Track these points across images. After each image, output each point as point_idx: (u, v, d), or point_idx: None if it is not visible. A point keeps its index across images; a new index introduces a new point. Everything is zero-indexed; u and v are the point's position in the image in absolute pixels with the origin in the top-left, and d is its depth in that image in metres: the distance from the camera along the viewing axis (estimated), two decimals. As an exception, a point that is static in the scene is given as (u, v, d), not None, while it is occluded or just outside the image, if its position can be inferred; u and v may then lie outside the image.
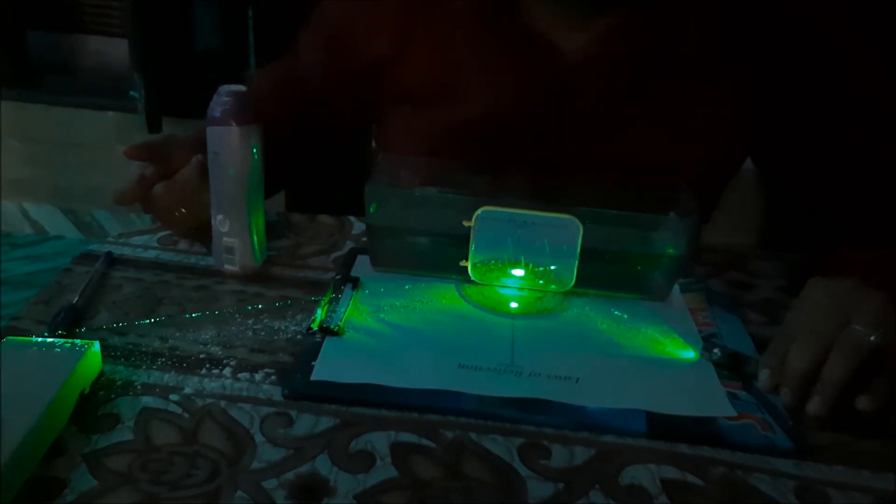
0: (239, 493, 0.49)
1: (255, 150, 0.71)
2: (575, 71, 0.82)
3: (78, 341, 0.58)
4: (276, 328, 0.67)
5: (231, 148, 0.69)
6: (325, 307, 0.69)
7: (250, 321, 0.68)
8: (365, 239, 0.83)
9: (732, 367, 0.64)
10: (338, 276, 0.74)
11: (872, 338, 0.60)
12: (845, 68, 0.82)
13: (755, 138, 0.87)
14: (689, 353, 0.66)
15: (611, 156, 0.83)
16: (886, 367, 0.60)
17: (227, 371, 0.60)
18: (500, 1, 0.82)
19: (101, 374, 0.59)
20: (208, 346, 0.64)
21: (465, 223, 0.71)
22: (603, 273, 0.73)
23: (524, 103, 0.84)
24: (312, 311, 0.68)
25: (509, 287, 0.74)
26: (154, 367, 0.61)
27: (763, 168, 0.93)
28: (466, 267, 0.73)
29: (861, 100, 0.82)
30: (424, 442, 0.54)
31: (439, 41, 0.85)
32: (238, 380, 0.60)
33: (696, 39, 0.81)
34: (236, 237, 0.73)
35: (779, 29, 0.81)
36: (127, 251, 0.79)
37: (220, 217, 0.72)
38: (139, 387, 0.58)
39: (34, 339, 0.59)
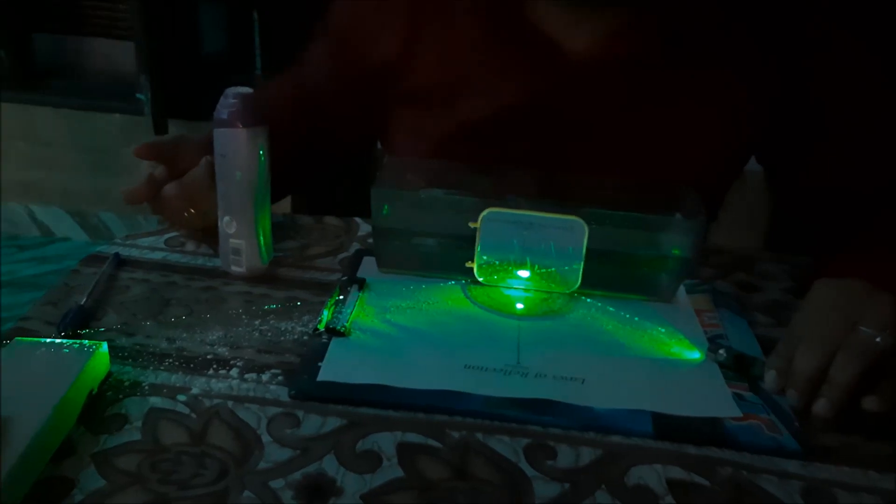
0: (246, 492, 0.49)
1: (261, 152, 0.71)
2: (581, 72, 0.82)
3: (86, 342, 0.58)
4: (282, 329, 0.67)
5: (238, 150, 0.70)
6: (332, 308, 0.69)
7: (257, 322, 0.68)
8: (371, 240, 0.83)
9: (738, 369, 0.64)
10: (344, 278, 0.75)
11: (879, 339, 0.60)
12: (851, 70, 0.82)
13: (760, 138, 0.87)
14: (695, 355, 0.66)
15: (617, 155, 0.84)
16: (893, 368, 0.60)
17: (234, 372, 0.61)
18: (507, 2, 0.82)
19: (109, 374, 0.59)
20: (215, 346, 0.64)
21: (471, 224, 0.71)
22: (609, 274, 0.73)
23: (531, 104, 0.84)
24: (319, 313, 0.69)
25: (515, 288, 0.74)
26: (162, 367, 0.61)
27: (768, 168, 0.93)
28: (472, 268, 0.73)
29: (864, 101, 0.82)
30: (431, 442, 0.54)
31: (446, 43, 0.85)
32: (245, 380, 0.60)
33: (702, 39, 0.81)
34: (243, 239, 0.73)
35: (785, 28, 0.81)
36: (134, 253, 0.79)
37: (226, 219, 0.73)
38: (147, 387, 0.58)
39: (42, 339, 0.59)
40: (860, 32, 0.83)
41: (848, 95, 0.82)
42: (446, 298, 0.73)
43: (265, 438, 0.54)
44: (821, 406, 0.59)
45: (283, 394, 0.59)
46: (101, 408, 0.56)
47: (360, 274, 0.76)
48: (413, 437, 0.55)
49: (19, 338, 0.59)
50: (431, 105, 0.88)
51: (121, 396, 0.57)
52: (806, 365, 0.60)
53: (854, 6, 0.84)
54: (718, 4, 0.81)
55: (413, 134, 0.91)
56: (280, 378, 0.60)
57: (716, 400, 0.60)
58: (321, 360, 0.62)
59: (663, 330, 0.69)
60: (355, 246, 0.83)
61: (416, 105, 0.89)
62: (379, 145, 1.13)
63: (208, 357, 0.63)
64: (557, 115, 0.84)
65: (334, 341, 0.65)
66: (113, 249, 0.79)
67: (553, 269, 0.73)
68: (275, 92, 0.98)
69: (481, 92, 0.85)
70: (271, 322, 0.68)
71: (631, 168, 0.82)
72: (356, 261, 0.79)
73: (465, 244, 0.72)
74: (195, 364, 0.61)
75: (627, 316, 0.71)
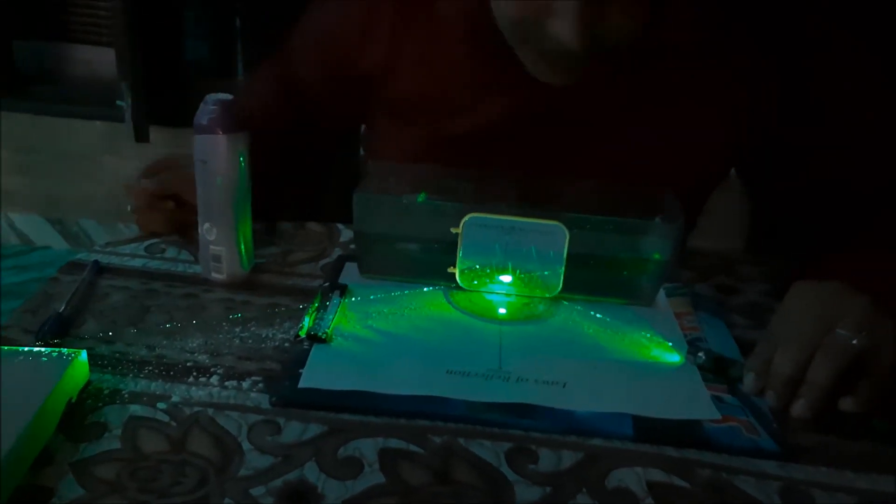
0: (227, 500, 0.49)
1: (241, 158, 0.71)
2: (563, 88, 0.81)
3: (65, 350, 0.58)
4: (263, 336, 0.67)
5: (218, 156, 0.70)
6: (313, 314, 0.69)
7: (238, 329, 0.68)
8: (353, 246, 0.84)
9: (717, 371, 0.65)
10: (326, 284, 0.75)
11: (855, 341, 0.60)
12: (851, 70, 0.82)
13: (759, 138, 0.86)
14: (675, 357, 0.67)
15: (598, 169, 0.83)
16: (869, 369, 0.60)
17: (214, 379, 0.60)
18: (489, 18, 0.81)
19: (89, 382, 0.59)
20: (195, 354, 0.64)
21: (453, 230, 0.71)
22: (589, 278, 0.74)
23: (513, 119, 0.83)
24: (300, 319, 0.69)
25: (497, 293, 0.74)
26: (141, 375, 0.61)
27: (747, 180, 0.94)
28: (454, 273, 0.73)
29: (864, 101, 0.82)
30: (412, 447, 0.54)
31: (428, 57, 0.85)
32: (225, 388, 0.60)
33: (684, 56, 0.81)
34: (223, 245, 0.73)
35: (785, 28, 0.81)
36: (114, 260, 0.79)
37: (206, 225, 0.73)
38: (126, 395, 0.58)
39: (21, 348, 0.58)
40: (860, 32, 0.83)
41: (848, 95, 0.82)
42: (428, 304, 0.73)
43: (246, 446, 0.54)
44: (799, 407, 0.60)
45: (263, 401, 0.58)
46: (80, 416, 0.55)
47: (341, 280, 0.76)
48: (395, 443, 0.55)
49: (-3, 346, 0.59)
50: (414, 117, 0.88)
51: (100, 404, 0.57)
52: (784, 367, 0.61)
53: (854, 6, 0.84)
54: (718, 4, 0.80)
55: (395, 144, 0.91)
56: (261, 385, 0.60)
57: (695, 402, 0.61)
58: (302, 366, 0.62)
59: (643, 333, 0.70)
60: (337, 252, 0.83)
61: (399, 116, 0.89)
62: (362, 151, 1.14)
63: (188, 364, 0.62)
64: (540, 130, 0.83)
65: (316, 348, 0.65)
66: (93, 257, 0.78)
67: (535, 273, 0.73)
68: (261, 79, 0.98)
69: (465, 106, 0.84)
70: (252, 329, 0.68)
71: (624, 172, 0.81)
72: (338, 267, 0.79)
73: (448, 249, 0.72)
74: (175, 371, 0.61)
75: (608, 320, 0.72)
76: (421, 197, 0.73)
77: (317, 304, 0.70)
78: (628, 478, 0.53)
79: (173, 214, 0.81)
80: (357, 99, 0.91)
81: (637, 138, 0.83)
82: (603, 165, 0.81)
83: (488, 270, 0.74)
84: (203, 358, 0.63)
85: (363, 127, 1.07)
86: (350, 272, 0.78)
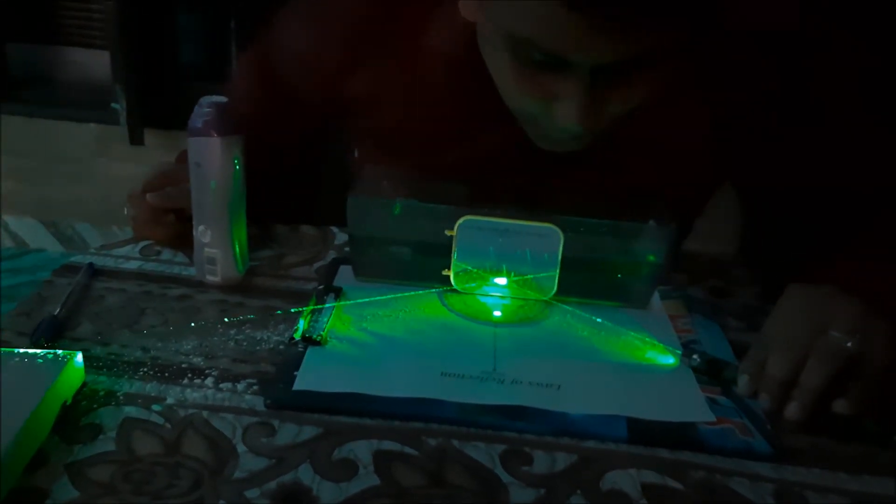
0: (221, 502, 0.49)
1: (236, 161, 0.71)
2: None
3: (60, 352, 0.58)
4: (258, 338, 0.67)
5: (212, 159, 0.70)
6: (308, 317, 0.69)
7: (232, 331, 0.68)
8: (347, 249, 0.84)
9: (711, 373, 0.65)
10: (320, 287, 0.75)
11: (849, 344, 0.60)
12: (851, 70, 0.82)
13: (741, 153, 0.86)
14: (669, 360, 0.67)
15: (595, 175, 0.82)
16: (863, 372, 0.61)
17: (209, 381, 0.60)
18: (476, 58, 0.75)
19: (84, 384, 0.59)
20: (190, 356, 0.64)
21: (448, 233, 0.71)
22: (584, 281, 0.74)
23: (501, 150, 0.82)
24: (295, 322, 0.69)
25: (492, 295, 0.75)
26: (136, 377, 0.61)
27: (743, 183, 0.94)
28: (449, 276, 0.74)
29: (864, 101, 0.82)
30: (407, 450, 0.54)
31: (412, 93, 0.84)
32: (220, 390, 0.60)
33: (684, 56, 0.80)
34: (218, 248, 0.73)
35: (785, 28, 0.81)
36: (109, 262, 0.79)
37: (201, 228, 0.73)
38: (121, 397, 0.58)
39: (16, 350, 0.58)
40: (860, 32, 0.83)
41: (848, 95, 0.82)
42: (423, 306, 0.73)
43: (240, 448, 0.54)
44: (792, 410, 0.60)
45: (258, 403, 0.58)
46: (75, 418, 0.55)
47: (336, 283, 0.76)
48: (389, 445, 0.55)
49: (-9, 349, 0.59)
50: (399, 149, 0.87)
51: (95, 406, 0.57)
52: (777, 369, 0.61)
53: (854, 6, 0.84)
54: (718, 4, 0.80)
55: (379, 172, 0.89)
56: (255, 387, 0.60)
57: (690, 404, 0.61)
58: (297, 369, 0.62)
59: (638, 336, 0.70)
60: (332, 255, 0.83)
61: (383, 147, 0.89)
62: (355, 153, 1.13)
63: (183, 366, 0.62)
64: (528, 160, 0.80)
65: (310, 350, 0.65)
66: (87, 259, 0.78)
67: (529, 276, 0.73)
68: (249, 79, 0.99)
69: (452, 141, 0.83)
70: (247, 331, 0.68)
71: (622, 177, 0.81)
72: (332, 269, 0.79)
73: (442, 252, 0.73)
74: (170, 373, 0.61)
75: (603, 322, 0.72)
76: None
77: (312, 307, 0.70)
78: (622, 480, 0.53)
79: (174, 227, 0.80)
80: (342, 117, 0.90)
81: (635, 141, 0.83)
82: (600, 171, 0.81)
83: (483, 273, 0.74)
84: (198, 360, 0.63)
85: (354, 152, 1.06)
86: (345, 275, 0.78)
